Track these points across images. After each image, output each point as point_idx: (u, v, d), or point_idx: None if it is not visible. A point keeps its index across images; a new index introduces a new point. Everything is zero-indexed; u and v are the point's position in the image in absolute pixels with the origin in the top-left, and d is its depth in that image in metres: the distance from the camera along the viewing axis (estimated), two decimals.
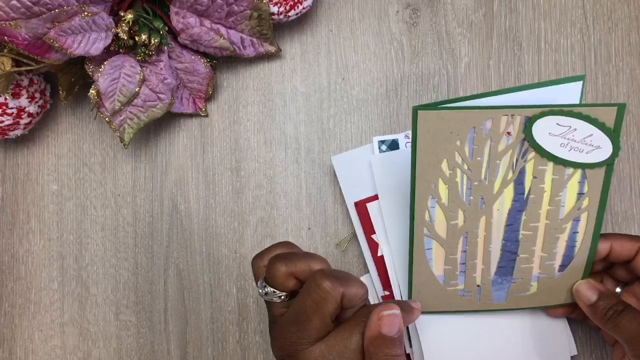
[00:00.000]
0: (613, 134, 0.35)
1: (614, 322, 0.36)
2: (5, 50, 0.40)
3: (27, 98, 0.44)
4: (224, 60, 0.48)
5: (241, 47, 0.45)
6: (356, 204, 0.45)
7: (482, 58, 0.47)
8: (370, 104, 0.47)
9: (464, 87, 0.46)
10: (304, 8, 0.45)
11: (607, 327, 0.37)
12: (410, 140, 0.43)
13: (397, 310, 0.34)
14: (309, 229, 0.47)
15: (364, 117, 0.47)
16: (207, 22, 0.44)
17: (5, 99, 0.43)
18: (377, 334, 0.33)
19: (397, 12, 0.47)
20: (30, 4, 0.38)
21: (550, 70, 0.46)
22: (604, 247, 0.38)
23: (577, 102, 0.36)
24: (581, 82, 0.35)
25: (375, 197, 0.44)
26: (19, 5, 0.38)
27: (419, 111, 0.35)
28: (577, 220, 0.37)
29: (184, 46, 0.45)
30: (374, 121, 0.47)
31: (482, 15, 0.47)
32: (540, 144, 0.35)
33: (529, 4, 0.47)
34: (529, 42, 0.46)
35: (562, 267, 0.39)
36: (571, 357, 0.42)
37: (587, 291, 0.38)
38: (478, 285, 0.39)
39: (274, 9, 0.43)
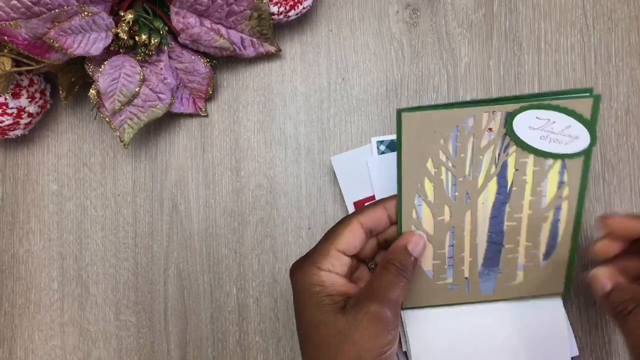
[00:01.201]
0: (590, 124, 0.36)
1: (622, 320, 0.35)
2: (5, 50, 0.40)
3: (27, 98, 0.44)
4: (224, 60, 0.48)
5: (241, 47, 0.45)
6: (355, 204, 0.45)
7: (482, 58, 0.47)
8: (370, 104, 0.47)
9: (464, 87, 0.46)
10: (304, 8, 0.45)
11: (616, 324, 0.36)
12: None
13: (423, 234, 0.39)
14: (309, 229, 0.47)
15: (364, 117, 0.47)
16: (207, 22, 0.44)
17: (5, 99, 0.43)
18: (402, 247, 0.37)
19: (397, 12, 0.47)
20: (30, 4, 0.38)
21: (550, 70, 0.46)
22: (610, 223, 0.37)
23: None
24: (588, 94, 0.35)
25: (374, 198, 0.44)
26: (19, 5, 0.38)
27: (402, 113, 0.36)
28: (558, 209, 0.38)
29: (184, 46, 0.45)
30: (374, 121, 0.47)
31: (482, 15, 0.47)
32: (521, 137, 0.36)
33: (529, 4, 0.47)
34: (529, 42, 0.46)
35: (547, 255, 0.40)
36: (571, 357, 0.42)
37: (604, 278, 0.37)
38: (466, 278, 0.40)
39: (274, 9, 0.43)
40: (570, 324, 0.43)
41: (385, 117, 0.47)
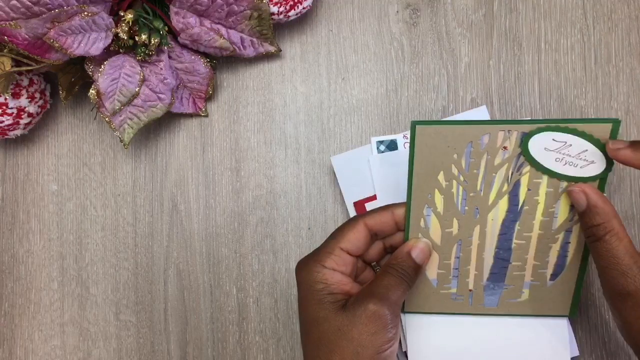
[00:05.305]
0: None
1: (592, 246, 0.35)
2: (5, 50, 0.40)
3: (27, 98, 0.44)
4: (224, 60, 0.48)
5: (241, 47, 0.45)
6: (355, 204, 0.45)
7: (482, 58, 0.47)
8: (370, 104, 0.47)
9: (464, 87, 0.46)
10: (304, 8, 0.45)
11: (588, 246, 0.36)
12: (408, 140, 0.43)
13: (429, 242, 0.39)
14: (309, 229, 0.47)
15: (363, 117, 0.47)
16: (207, 22, 0.44)
17: (5, 99, 0.43)
18: (405, 252, 0.37)
19: (397, 12, 0.47)
20: (30, 4, 0.38)
21: (550, 70, 0.46)
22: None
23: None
24: (610, 124, 0.35)
25: (375, 197, 0.44)
26: (19, 5, 0.38)
27: (417, 126, 0.36)
28: (569, 231, 0.38)
29: (184, 46, 0.45)
30: (374, 121, 0.47)
31: (482, 15, 0.47)
32: (536, 158, 0.36)
33: (529, 4, 0.47)
34: (529, 42, 0.46)
35: (554, 276, 0.39)
36: (571, 357, 0.42)
37: (579, 195, 0.36)
38: (470, 290, 0.40)
39: (274, 9, 0.43)
40: (570, 324, 0.43)
41: (385, 117, 0.47)
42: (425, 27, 0.47)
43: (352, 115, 0.47)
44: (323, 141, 0.47)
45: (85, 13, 0.40)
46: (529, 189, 0.37)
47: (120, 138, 0.45)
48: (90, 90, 0.43)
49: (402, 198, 0.39)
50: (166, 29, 0.44)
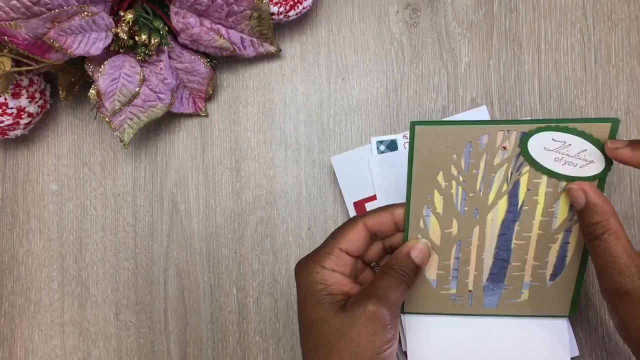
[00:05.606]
0: None
1: (589, 244, 0.35)
2: (5, 50, 0.40)
3: (27, 98, 0.44)
4: (224, 60, 0.48)
5: (241, 47, 0.45)
6: (355, 204, 0.45)
7: (482, 58, 0.47)
8: (370, 104, 0.47)
9: (464, 87, 0.46)
10: (304, 8, 0.45)
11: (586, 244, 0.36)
12: (408, 140, 0.44)
13: (428, 243, 0.39)
14: (309, 229, 0.47)
15: (363, 117, 0.47)
16: (207, 22, 0.44)
17: (5, 99, 0.43)
18: (405, 253, 0.37)
19: (397, 12, 0.47)
20: (30, 4, 0.38)
21: (550, 70, 0.46)
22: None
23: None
24: (609, 124, 0.35)
25: (374, 198, 0.44)
26: (19, 5, 0.38)
27: (416, 126, 0.36)
28: (568, 231, 0.38)
29: (184, 46, 0.45)
30: (374, 121, 0.47)
31: (482, 15, 0.47)
32: (536, 158, 0.36)
33: (529, 4, 0.47)
34: (529, 42, 0.46)
35: (553, 276, 0.39)
36: (571, 357, 0.42)
37: (578, 192, 0.36)
38: (470, 290, 0.40)
39: (274, 9, 0.43)
40: (570, 324, 0.43)
41: (385, 117, 0.47)
42: (425, 27, 0.47)
43: (352, 115, 0.47)
44: (323, 141, 0.47)
45: (85, 13, 0.40)
46: (528, 189, 0.37)
47: (120, 138, 0.45)
48: (90, 90, 0.43)
49: (402, 198, 0.39)
50: (166, 29, 0.44)
